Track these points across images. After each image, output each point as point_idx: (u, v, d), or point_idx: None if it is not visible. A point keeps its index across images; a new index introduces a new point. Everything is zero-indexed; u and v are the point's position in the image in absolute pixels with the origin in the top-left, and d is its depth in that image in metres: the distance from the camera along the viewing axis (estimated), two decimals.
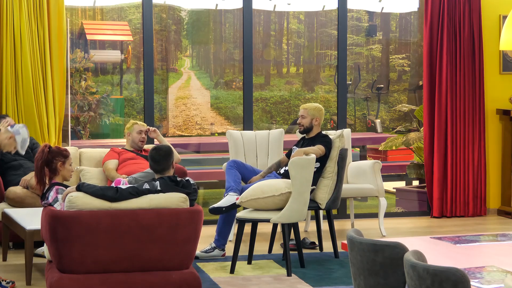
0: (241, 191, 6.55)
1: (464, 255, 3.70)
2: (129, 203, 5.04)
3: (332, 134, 6.90)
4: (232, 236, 7.15)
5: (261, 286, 5.83)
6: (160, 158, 5.28)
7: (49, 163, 5.62)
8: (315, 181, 6.54)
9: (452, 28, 8.63)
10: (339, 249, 6.77)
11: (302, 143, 6.90)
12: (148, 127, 7.38)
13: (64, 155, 5.68)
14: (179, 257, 5.15)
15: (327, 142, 6.68)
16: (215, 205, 6.49)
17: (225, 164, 7.03)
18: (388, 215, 8.48)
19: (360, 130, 13.60)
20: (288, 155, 6.87)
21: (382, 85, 13.64)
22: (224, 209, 6.48)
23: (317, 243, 7.12)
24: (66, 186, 5.54)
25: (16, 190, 6.94)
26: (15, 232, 6.17)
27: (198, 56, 14.47)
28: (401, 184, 10.76)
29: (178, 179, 5.23)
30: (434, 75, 8.66)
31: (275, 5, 13.89)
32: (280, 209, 6.18)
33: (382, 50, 14.25)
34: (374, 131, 12.93)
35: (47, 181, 5.63)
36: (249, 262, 6.46)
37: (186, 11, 13.75)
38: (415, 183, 10.48)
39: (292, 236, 6.70)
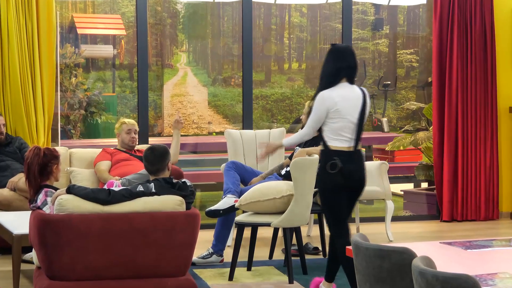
0: (240, 194, 6.55)
1: (476, 261, 3.71)
2: (122, 206, 5.05)
3: None
4: (230, 241, 7.15)
5: None
6: (154, 158, 5.28)
7: (45, 167, 5.62)
8: (318, 183, 6.54)
9: (463, 21, 8.63)
10: None
11: (304, 143, 6.90)
12: (179, 116, 7.43)
13: (57, 156, 5.69)
14: (175, 263, 5.15)
15: None
16: (212, 207, 6.50)
17: (223, 165, 7.03)
18: (395, 219, 8.49)
19: (366, 130, 13.55)
20: (291, 157, 6.87)
21: (389, 82, 13.65)
22: (221, 212, 6.49)
23: (320, 248, 7.13)
24: (56, 189, 5.54)
25: (3, 193, 6.94)
26: (1, 236, 6.17)
27: (195, 51, 14.48)
28: (409, 186, 10.78)
29: (174, 181, 5.23)
30: (444, 71, 8.66)
31: None
32: (281, 212, 6.19)
33: (389, 45, 14.27)
34: (380, 130, 12.95)
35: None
36: (249, 269, 6.47)
37: (182, 4, 13.77)
38: (424, 185, 10.49)
39: (294, 241, 6.70)
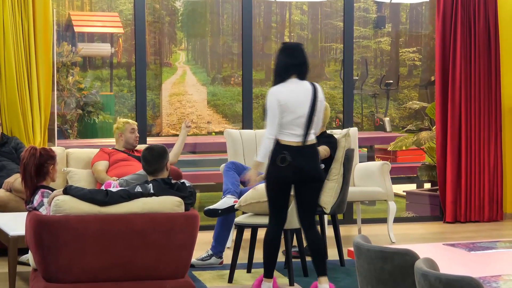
0: (239, 194, 6.55)
1: (479, 263, 3.71)
2: (120, 207, 5.05)
3: (337, 133, 6.90)
4: (230, 242, 7.15)
5: None
6: (152, 158, 5.28)
7: (41, 167, 5.62)
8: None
9: (467, 19, 8.63)
10: (345, 257, 6.77)
11: None
12: (189, 120, 7.56)
13: (53, 157, 5.70)
14: (174, 265, 5.15)
15: (332, 143, 6.68)
16: (211, 207, 6.50)
17: (222, 165, 7.03)
18: (397, 220, 8.49)
19: (368, 129, 13.60)
20: None
21: (391, 81, 13.64)
22: (220, 211, 6.48)
23: None
24: (52, 189, 5.55)
25: None
26: None
27: (194, 50, 14.47)
28: (412, 187, 10.78)
29: (173, 181, 5.24)
30: (447, 70, 8.67)
31: None
32: None
33: (391, 43, 14.26)
34: (382, 130, 12.94)
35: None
36: (249, 271, 6.47)
37: (181, 1, 13.76)
38: (427, 185, 10.49)
39: (295, 242, 6.70)
